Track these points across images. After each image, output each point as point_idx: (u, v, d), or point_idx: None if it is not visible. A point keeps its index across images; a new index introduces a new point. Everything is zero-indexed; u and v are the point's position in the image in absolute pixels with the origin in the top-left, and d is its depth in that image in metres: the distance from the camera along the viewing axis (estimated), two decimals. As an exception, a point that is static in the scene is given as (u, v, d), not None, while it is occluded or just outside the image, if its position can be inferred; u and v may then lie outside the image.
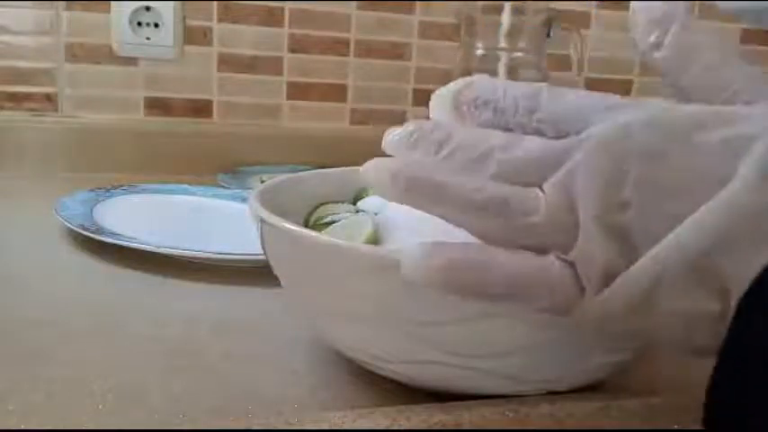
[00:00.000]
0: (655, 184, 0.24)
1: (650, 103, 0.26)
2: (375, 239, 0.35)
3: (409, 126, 0.27)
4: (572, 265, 0.24)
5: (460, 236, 0.26)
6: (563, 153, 0.25)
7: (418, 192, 0.26)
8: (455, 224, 0.26)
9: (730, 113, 0.25)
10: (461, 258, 0.25)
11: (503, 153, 0.26)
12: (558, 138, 0.26)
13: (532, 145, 0.26)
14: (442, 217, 0.26)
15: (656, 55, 0.28)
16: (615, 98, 0.26)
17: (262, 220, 0.32)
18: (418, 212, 0.36)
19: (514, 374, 0.30)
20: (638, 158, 0.24)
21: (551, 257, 0.25)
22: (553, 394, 0.31)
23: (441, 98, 0.29)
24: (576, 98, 0.26)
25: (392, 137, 0.28)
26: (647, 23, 0.28)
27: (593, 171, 0.24)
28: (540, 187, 0.25)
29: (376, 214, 0.37)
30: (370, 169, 0.27)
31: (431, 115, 0.29)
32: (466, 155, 0.26)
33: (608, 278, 0.24)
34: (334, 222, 0.38)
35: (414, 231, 0.34)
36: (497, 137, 0.26)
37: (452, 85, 0.28)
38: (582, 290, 0.24)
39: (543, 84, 0.27)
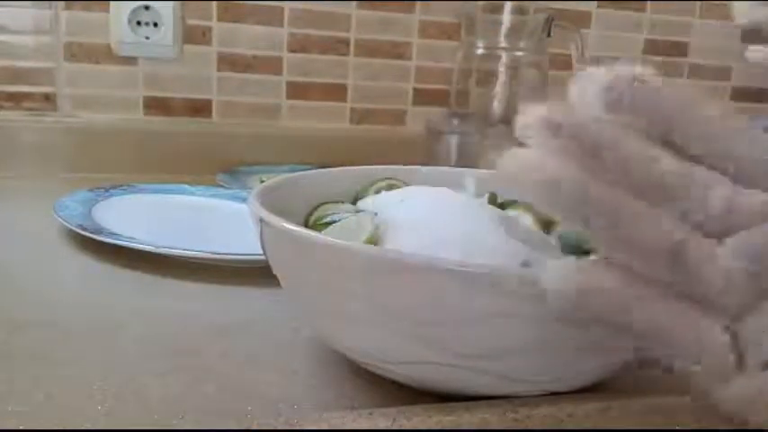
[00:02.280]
0: None
1: None
2: (375, 239, 0.35)
3: (550, 115, 0.22)
4: (734, 335, 0.22)
5: (457, 237, 0.26)
6: (758, 211, 0.22)
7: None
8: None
9: None
10: (604, 288, 0.22)
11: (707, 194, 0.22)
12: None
13: (729, 192, 0.22)
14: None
15: (620, 118, 0.23)
16: None
17: (261, 220, 0.32)
18: (418, 212, 0.36)
19: (514, 375, 0.30)
20: None
21: (711, 321, 0.22)
22: (553, 395, 0.31)
23: (591, 82, 0.22)
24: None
25: (526, 124, 0.22)
26: (599, 89, 0.23)
27: None
28: (719, 239, 0.22)
29: (376, 214, 0.37)
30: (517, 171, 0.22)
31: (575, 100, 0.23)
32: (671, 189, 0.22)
33: None
34: (334, 222, 0.38)
35: (414, 231, 0.34)
36: (700, 173, 0.22)
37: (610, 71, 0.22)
38: (740, 364, 0.22)
39: (737, 121, 0.23)
